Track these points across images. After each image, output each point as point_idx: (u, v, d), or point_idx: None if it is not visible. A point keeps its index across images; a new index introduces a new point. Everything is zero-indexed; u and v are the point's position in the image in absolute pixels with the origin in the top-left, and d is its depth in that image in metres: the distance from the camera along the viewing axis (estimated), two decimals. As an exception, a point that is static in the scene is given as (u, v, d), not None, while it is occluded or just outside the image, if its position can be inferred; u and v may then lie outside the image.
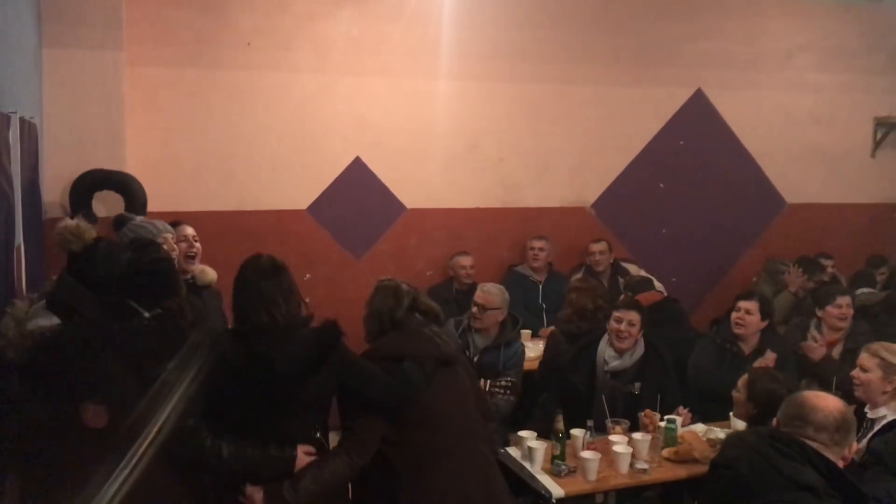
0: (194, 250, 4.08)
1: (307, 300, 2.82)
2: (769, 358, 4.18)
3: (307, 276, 5.46)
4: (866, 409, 3.41)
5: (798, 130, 6.92)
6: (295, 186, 5.63)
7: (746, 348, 4.46)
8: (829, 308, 4.71)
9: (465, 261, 5.82)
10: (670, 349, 4.37)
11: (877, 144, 7.19)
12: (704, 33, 6.53)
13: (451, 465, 2.80)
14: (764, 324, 4.46)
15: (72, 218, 3.05)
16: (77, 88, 4.70)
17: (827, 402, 2.28)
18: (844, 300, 4.70)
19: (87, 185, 4.68)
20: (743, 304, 4.49)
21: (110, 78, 4.78)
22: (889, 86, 7.15)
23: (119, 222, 3.70)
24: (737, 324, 4.47)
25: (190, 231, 4.15)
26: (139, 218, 3.81)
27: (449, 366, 2.95)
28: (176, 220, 4.18)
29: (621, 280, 5.87)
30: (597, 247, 6.07)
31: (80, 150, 4.70)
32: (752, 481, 2.19)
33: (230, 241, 5.00)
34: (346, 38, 5.61)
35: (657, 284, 5.53)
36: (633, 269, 6.12)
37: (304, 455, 2.63)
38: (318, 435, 2.73)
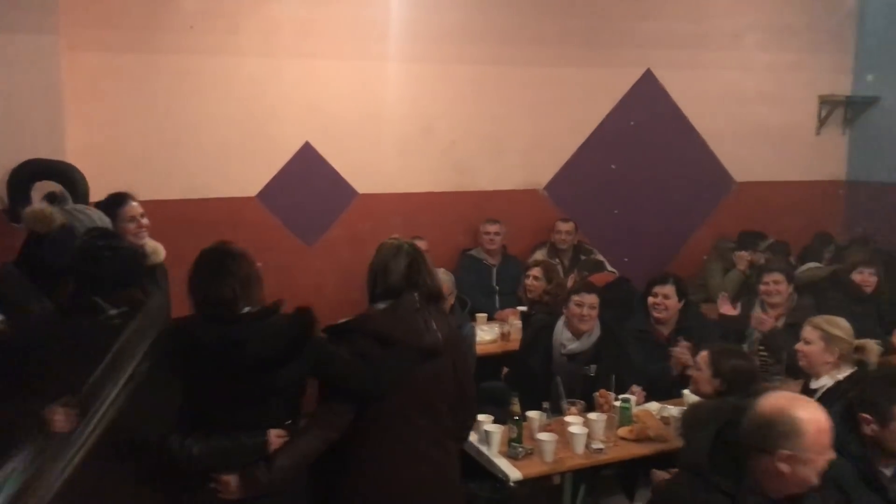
0: (143, 228, 3.86)
1: (279, 300, 2.74)
2: (683, 346, 4.19)
3: (259, 264, 5.34)
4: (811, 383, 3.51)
5: (746, 109, 7.00)
6: (244, 173, 5.52)
7: (666, 330, 4.53)
8: (760, 286, 4.81)
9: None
10: (623, 329, 4.42)
11: (821, 122, 7.33)
12: (653, 13, 6.56)
13: (400, 460, 2.73)
14: (681, 304, 4.53)
15: (9, 209, 2.95)
16: (12, 74, 4.51)
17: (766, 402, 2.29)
18: (771, 277, 4.79)
19: (26, 176, 4.51)
20: (659, 289, 4.54)
21: (46, 63, 4.60)
22: (832, 64, 7.29)
23: (50, 199, 3.55)
24: (655, 308, 4.53)
25: (137, 209, 3.87)
26: (78, 206, 3.66)
27: (434, 357, 2.77)
28: (120, 195, 3.93)
29: (583, 259, 5.94)
30: (564, 226, 6.15)
31: (16, 139, 4.52)
32: None
33: (178, 231, 4.85)
34: (294, 20, 5.49)
35: (609, 266, 5.58)
36: (598, 254, 6.20)
37: (276, 438, 2.58)
38: (290, 422, 2.67)
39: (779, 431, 2.16)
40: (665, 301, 4.52)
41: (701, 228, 7.02)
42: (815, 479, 2.19)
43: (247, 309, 2.58)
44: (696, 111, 6.87)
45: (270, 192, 5.61)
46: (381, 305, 2.81)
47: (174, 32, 5.20)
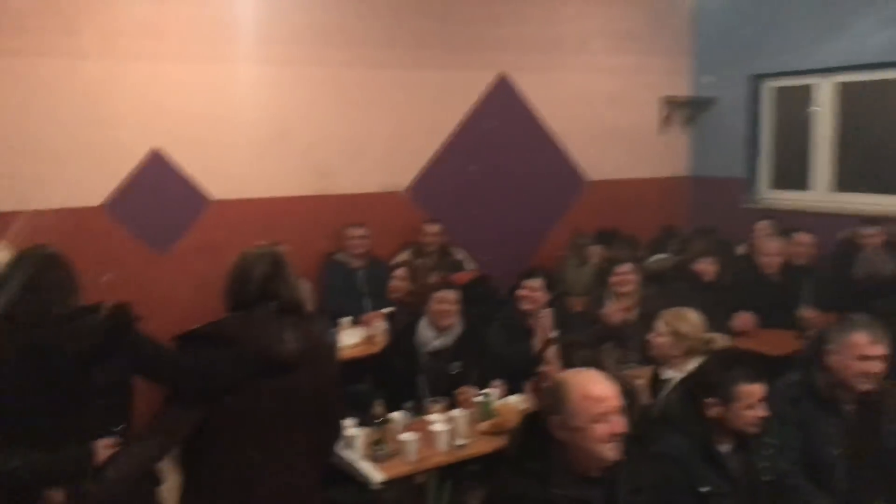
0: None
1: (106, 302, 2.60)
2: (544, 314, 4.35)
3: (106, 276, 5.08)
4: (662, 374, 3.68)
5: (595, 111, 7.30)
6: (87, 181, 5.22)
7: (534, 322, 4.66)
8: (611, 278, 5.02)
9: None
10: (484, 325, 4.49)
11: (664, 122, 7.75)
12: (506, 18, 6.72)
13: (249, 473, 2.57)
14: (549, 297, 4.68)
15: None
16: None
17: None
18: (621, 269, 4.99)
19: None
20: (527, 282, 4.67)
21: None
22: (672, 67, 7.72)
23: None
24: (523, 301, 4.64)
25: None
26: None
27: (287, 369, 2.60)
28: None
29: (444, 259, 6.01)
30: (431, 228, 6.20)
31: None
32: None
33: (17, 244, 4.55)
34: (137, 21, 5.25)
35: (469, 264, 5.68)
36: (461, 253, 6.28)
37: (104, 449, 2.44)
38: (120, 427, 2.53)
39: (552, 399, 2.32)
40: (532, 294, 4.63)
41: (558, 226, 7.25)
42: (605, 453, 2.26)
43: (59, 310, 2.47)
44: (550, 113, 7.09)
45: (117, 201, 5.33)
46: (235, 314, 2.70)
47: (3, 33, 4.86)
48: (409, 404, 3.82)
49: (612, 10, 7.27)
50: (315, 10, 5.88)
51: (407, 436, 3.48)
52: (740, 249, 6.38)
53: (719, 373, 2.80)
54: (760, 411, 2.62)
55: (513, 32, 6.77)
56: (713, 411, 2.71)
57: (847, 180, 6.95)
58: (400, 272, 4.97)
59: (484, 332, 4.51)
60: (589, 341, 3.71)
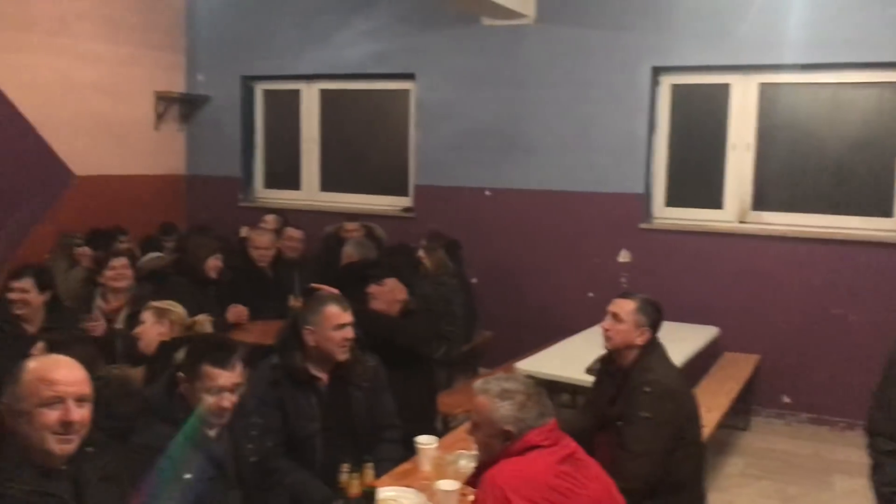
0: None
1: None
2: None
3: None
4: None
5: (82, 100, 6.80)
6: None
7: (31, 327, 4.20)
8: (105, 273, 4.75)
9: None
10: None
11: (159, 118, 7.55)
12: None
13: None
14: (45, 296, 4.26)
15: None
16: None
17: None
18: (116, 262, 4.76)
19: None
20: (18, 283, 4.16)
21: None
22: (167, 62, 7.58)
23: None
24: (15, 304, 4.15)
25: None
26: None
27: None
28: None
29: None
30: None
31: None
32: None
33: None
34: None
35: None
36: None
37: None
38: None
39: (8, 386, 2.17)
40: (24, 295, 4.14)
41: (44, 224, 6.54)
42: (50, 444, 2.10)
43: None
44: (27, 99, 6.34)
45: None
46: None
47: None
48: None
49: (96, -6, 6.84)
50: None
51: None
52: (237, 245, 6.53)
53: (189, 350, 2.80)
54: (226, 400, 2.64)
55: None
56: (183, 388, 2.68)
57: (332, 181, 7.62)
58: None
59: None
60: (74, 338, 3.40)
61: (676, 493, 3.19)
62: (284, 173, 7.81)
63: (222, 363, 2.63)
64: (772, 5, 5.74)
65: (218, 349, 2.71)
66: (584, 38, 6.26)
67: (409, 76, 7.02)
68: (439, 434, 3.64)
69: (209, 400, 2.61)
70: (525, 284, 6.64)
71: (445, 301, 5.58)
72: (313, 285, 3.80)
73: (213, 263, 5.54)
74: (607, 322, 3.32)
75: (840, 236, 5.74)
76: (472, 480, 2.42)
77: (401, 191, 7.31)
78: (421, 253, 5.78)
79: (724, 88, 6.11)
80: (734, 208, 6.16)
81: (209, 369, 2.61)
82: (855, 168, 5.83)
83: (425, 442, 3.13)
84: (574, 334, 5.25)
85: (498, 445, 2.36)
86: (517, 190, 6.62)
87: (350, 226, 6.40)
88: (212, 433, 2.76)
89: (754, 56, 5.84)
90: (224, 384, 2.62)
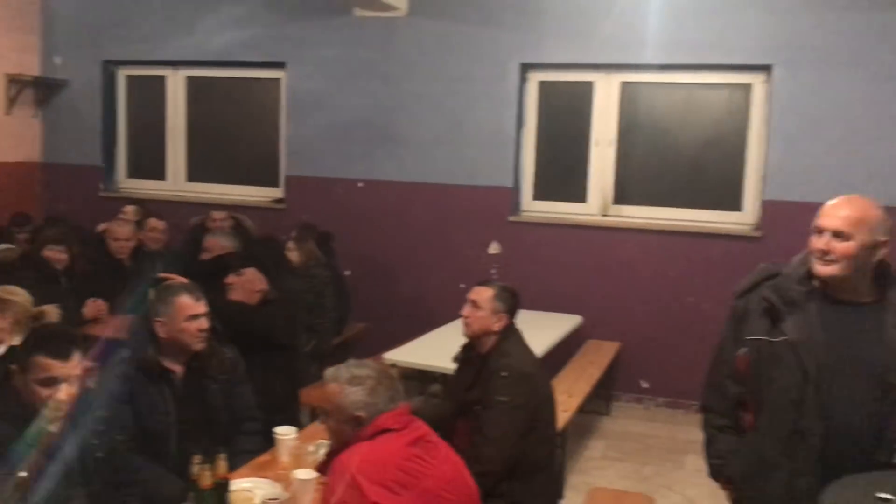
0: None
1: None
2: None
3: None
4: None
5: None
6: None
7: None
8: None
9: None
10: None
11: (11, 102, 7.10)
12: None
13: None
14: None
15: None
16: None
17: None
18: None
19: None
20: None
21: None
22: (19, 43, 7.13)
23: None
24: None
25: None
26: None
27: None
28: None
29: None
30: None
31: None
32: None
33: None
34: None
35: None
36: None
37: None
38: None
39: None
40: None
41: None
42: None
43: None
44: None
45: None
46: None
47: None
48: None
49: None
50: None
51: None
52: (95, 237, 6.23)
53: (24, 343, 2.66)
54: (62, 392, 2.52)
55: None
56: (16, 380, 2.54)
57: (199, 171, 7.39)
58: None
59: None
60: None
61: (531, 475, 3.28)
62: (149, 163, 7.50)
63: (57, 354, 2.49)
64: (633, 7, 5.96)
65: (54, 339, 2.57)
66: (454, 33, 6.34)
67: (279, 65, 6.89)
68: (303, 425, 3.61)
69: (42, 392, 2.47)
70: (398, 276, 6.67)
71: (315, 293, 5.53)
72: (161, 275, 3.67)
73: (51, 254, 5.26)
74: (466, 309, 3.39)
75: (694, 229, 6.07)
76: (323, 467, 2.42)
77: (272, 181, 7.17)
78: (290, 244, 5.70)
79: (588, 86, 6.33)
80: (597, 202, 6.39)
81: (43, 360, 2.48)
82: (707, 165, 6.17)
83: (284, 433, 3.09)
84: (445, 324, 5.31)
85: (349, 431, 2.37)
86: (390, 182, 6.63)
87: (217, 215, 6.22)
88: (52, 427, 2.63)
89: (616, 55, 6.07)
90: (58, 375, 2.49)
